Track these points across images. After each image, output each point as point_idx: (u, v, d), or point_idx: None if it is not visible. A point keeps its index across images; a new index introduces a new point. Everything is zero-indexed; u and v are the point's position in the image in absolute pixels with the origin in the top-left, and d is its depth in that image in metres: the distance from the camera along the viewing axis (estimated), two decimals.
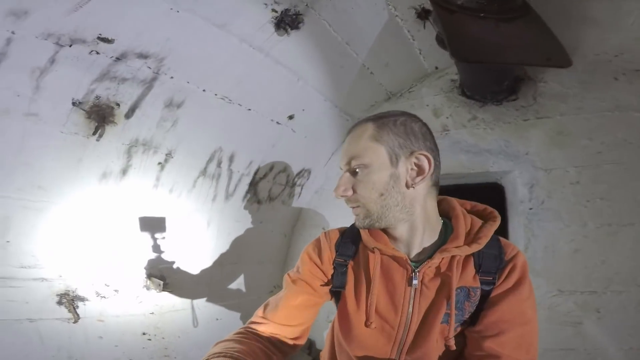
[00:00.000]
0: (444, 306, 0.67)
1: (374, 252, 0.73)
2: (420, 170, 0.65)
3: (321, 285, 0.78)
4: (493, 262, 0.68)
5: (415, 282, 0.69)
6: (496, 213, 0.75)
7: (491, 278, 0.68)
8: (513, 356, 0.64)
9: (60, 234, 1.40)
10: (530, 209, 1.59)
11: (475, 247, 0.66)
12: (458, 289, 0.67)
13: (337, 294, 0.79)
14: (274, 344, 0.77)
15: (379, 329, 0.73)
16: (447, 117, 1.87)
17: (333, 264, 0.78)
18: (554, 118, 1.63)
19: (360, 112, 2.12)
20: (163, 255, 1.71)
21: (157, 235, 1.73)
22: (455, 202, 0.75)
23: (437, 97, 1.93)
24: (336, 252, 0.78)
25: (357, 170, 0.66)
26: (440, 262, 0.68)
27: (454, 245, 0.67)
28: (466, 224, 0.70)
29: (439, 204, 0.74)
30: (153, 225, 1.72)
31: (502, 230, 1.34)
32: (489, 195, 1.46)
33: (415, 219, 0.68)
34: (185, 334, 1.83)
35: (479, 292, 0.68)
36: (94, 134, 1.30)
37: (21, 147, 1.18)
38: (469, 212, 0.75)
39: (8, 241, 1.28)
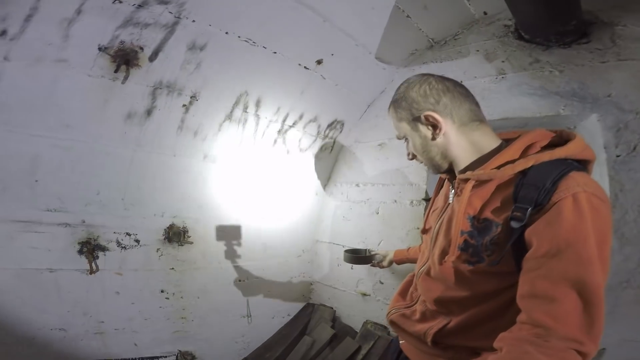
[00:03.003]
0: (458, 226, 0.75)
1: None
2: (434, 125, 0.79)
3: None
4: (532, 194, 0.64)
5: (450, 197, 0.85)
6: (565, 137, 0.75)
7: (522, 215, 0.64)
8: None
9: (86, 174, 1.44)
10: (618, 156, 1.33)
11: (490, 175, 0.71)
12: (481, 219, 0.72)
13: None
14: None
15: (427, 234, 0.93)
16: (503, 61, 1.67)
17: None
18: None
19: (400, 61, 1.97)
20: (187, 205, 1.70)
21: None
22: (528, 134, 0.76)
23: (488, 42, 1.74)
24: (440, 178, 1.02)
25: (404, 140, 0.88)
26: (468, 184, 0.74)
27: (473, 170, 0.76)
28: (510, 153, 0.73)
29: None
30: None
31: None
32: None
33: (455, 157, 0.80)
34: (205, 295, 1.80)
35: (499, 230, 0.69)
36: (115, 71, 1.37)
37: (52, 90, 1.29)
38: (555, 137, 0.76)
39: (36, 180, 1.36)
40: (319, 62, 1.78)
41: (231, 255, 1.89)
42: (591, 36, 1.50)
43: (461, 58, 1.83)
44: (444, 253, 0.79)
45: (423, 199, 1.19)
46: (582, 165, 0.71)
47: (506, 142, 0.78)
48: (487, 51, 1.75)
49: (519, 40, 1.66)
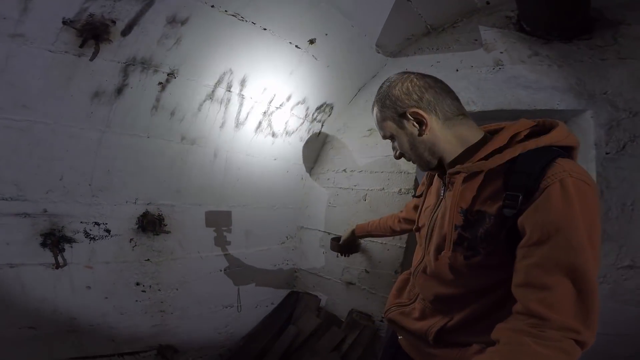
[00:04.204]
0: (451, 221, 0.76)
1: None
2: (419, 121, 0.79)
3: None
4: (522, 181, 0.65)
5: (441, 193, 0.86)
6: (548, 126, 0.74)
7: (514, 202, 0.65)
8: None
9: (47, 158, 1.30)
10: (607, 153, 1.36)
11: (479, 166, 0.72)
12: (474, 212, 0.73)
13: None
14: (400, 220, 1.30)
15: (420, 232, 0.93)
16: (502, 52, 1.64)
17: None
18: None
19: (394, 46, 1.90)
20: (162, 190, 1.60)
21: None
22: (512, 124, 0.77)
23: (488, 32, 1.70)
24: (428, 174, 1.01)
25: (391, 139, 0.87)
26: (458, 178, 0.75)
27: (461, 163, 0.77)
28: (496, 143, 0.74)
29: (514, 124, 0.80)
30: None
31: None
32: None
33: (443, 151, 0.80)
34: (185, 286, 1.73)
35: (492, 220, 0.69)
36: (80, 46, 1.23)
37: (4, 68, 1.14)
38: (537, 127, 0.76)
39: None
40: (312, 41, 1.67)
41: (211, 244, 1.82)
42: (593, 33, 1.50)
43: (459, 46, 1.78)
44: (439, 249, 0.80)
45: (413, 196, 1.19)
46: (567, 152, 0.72)
47: (490, 134, 0.79)
48: (486, 41, 1.71)
49: (520, 32, 1.64)
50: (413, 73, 0.82)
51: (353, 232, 1.46)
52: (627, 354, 1.35)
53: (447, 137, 0.78)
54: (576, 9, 1.40)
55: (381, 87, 0.85)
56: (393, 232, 1.33)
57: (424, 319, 0.86)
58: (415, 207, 1.17)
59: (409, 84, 0.80)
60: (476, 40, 1.74)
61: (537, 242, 0.62)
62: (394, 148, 0.88)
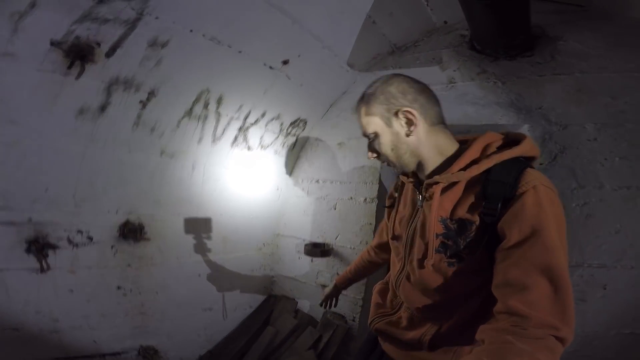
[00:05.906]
0: (432, 230, 0.79)
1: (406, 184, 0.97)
2: (409, 121, 0.81)
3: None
4: (500, 190, 0.71)
5: (419, 203, 0.87)
6: (518, 139, 0.80)
7: (493, 209, 0.71)
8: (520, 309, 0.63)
9: (33, 170, 1.39)
10: (541, 164, 1.55)
11: (458, 176, 0.76)
12: (454, 220, 0.77)
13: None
14: (375, 251, 1.27)
15: (398, 242, 0.94)
16: (455, 70, 1.84)
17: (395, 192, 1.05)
18: (572, 75, 1.60)
19: (362, 64, 2.08)
20: (143, 201, 1.71)
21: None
22: (482, 136, 0.82)
23: (444, 51, 1.90)
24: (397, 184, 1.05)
25: (371, 137, 0.87)
26: (436, 188, 0.79)
27: (441, 174, 0.80)
28: (471, 154, 0.79)
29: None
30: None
31: None
32: None
33: (423, 156, 0.83)
34: (165, 290, 1.84)
35: (474, 227, 0.74)
36: (69, 67, 1.33)
37: None
38: (505, 139, 0.83)
39: None
40: (285, 62, 1.84)
41: (190, 250, 1.94)
42: (535, 50, 1.67)
43: (418, 65, 1.98)
44: (422, 257, 0.83)
45: (383, 207, 1.23)
46: (529, 161, 0.80)
47: (462, 145, 0.85)
48: (442, 59, 1.90)
49: (472, 50, 1.81)
50: (408, 76, 0.85)
51: (336, 286, 1.37)
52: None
53: (429, 143, 0.82)
54: (517, 28, 1.55)
55: (374, 83, 0.86)
56: (373, 265, 1.29)
57: (413, 327, 0.88)
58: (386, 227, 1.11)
59: (405, 84, 0.83)
60: (433, 59, 1.94)
61: (515, 245, 0.67)
62: (371, 148, 0.88)
